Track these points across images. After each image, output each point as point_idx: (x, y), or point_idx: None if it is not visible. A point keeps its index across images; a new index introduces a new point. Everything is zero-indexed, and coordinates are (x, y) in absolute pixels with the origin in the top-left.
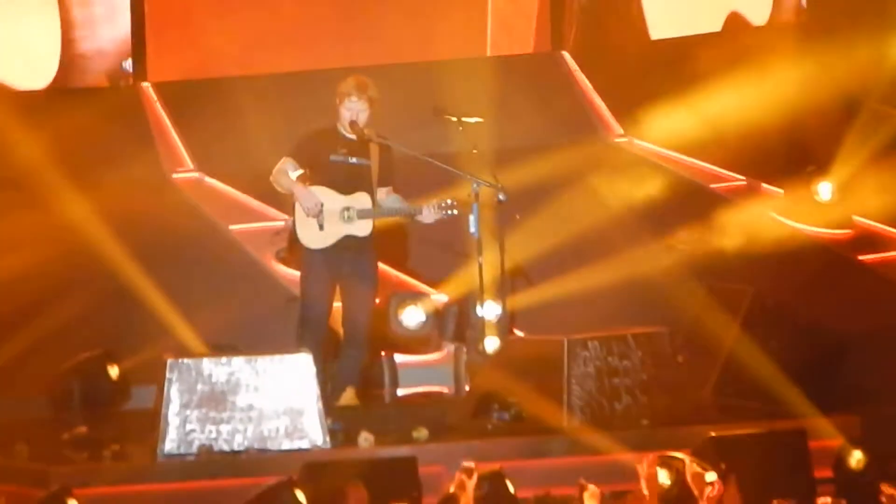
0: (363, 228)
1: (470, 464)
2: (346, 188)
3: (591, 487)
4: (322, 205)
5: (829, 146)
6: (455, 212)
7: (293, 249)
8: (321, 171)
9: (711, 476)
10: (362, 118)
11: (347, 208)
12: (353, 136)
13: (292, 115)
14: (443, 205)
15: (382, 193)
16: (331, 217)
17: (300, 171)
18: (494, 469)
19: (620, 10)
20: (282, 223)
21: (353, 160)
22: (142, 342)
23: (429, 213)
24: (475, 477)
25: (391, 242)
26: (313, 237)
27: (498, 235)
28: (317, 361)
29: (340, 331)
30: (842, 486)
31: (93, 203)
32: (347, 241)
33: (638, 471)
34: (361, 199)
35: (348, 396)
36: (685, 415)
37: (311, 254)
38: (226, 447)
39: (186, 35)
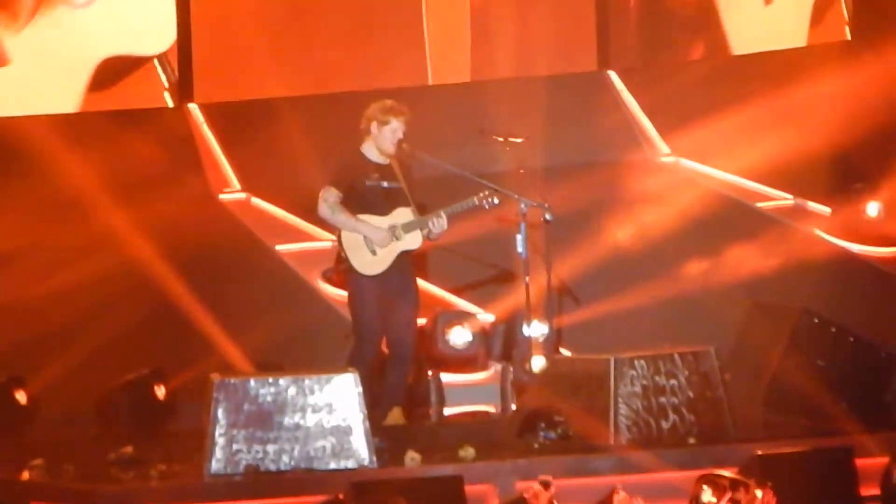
0: (414, 241)
1: (548, 478)
2: (384, 210)
3: (622, 493)
4: (392, 229)
5: (877, 164)
6: (495, 201)
7: (339, 269)
8: (359, 198)
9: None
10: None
11: (393, 227)
12: (381, 160)
13: (339, 135)
14: (475, 199)
15: None
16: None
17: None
18: None
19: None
20: (329, 244)
21: (385, 184)
22: (188, 361)
23: (465, 204)
24: (552, 491)
25: (439, 262)
26: (369, 263)
27: (545, 255)
28: (368, 381)
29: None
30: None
31: (140, 223)
32: (400, 260)
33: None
34: (403, 214)
35: (395, 415)
36: (732, 433)
37: (364, 279)
38: (272, 467)
39: (233, 56)
